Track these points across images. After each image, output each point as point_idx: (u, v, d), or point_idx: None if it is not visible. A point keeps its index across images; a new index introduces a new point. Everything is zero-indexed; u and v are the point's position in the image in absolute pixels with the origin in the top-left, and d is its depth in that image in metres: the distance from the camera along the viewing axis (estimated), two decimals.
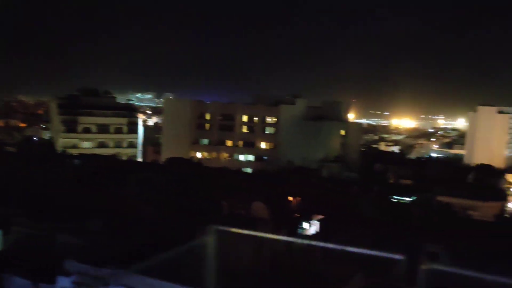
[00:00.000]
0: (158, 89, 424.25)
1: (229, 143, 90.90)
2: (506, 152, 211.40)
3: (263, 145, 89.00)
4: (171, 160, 66.22)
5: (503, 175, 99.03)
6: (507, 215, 53.14)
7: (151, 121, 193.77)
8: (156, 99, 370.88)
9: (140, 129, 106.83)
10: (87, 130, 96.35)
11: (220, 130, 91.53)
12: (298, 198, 49.81)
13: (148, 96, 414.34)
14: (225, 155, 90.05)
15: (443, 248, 34.38)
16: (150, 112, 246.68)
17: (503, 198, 70.98)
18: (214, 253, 9.02)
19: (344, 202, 44.19)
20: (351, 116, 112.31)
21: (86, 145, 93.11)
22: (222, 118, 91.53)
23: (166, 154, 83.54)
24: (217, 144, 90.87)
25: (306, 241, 32.69)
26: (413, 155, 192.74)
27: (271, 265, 22.36)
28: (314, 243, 32.77)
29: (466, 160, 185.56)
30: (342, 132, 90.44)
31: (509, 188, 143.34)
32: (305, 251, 28.94)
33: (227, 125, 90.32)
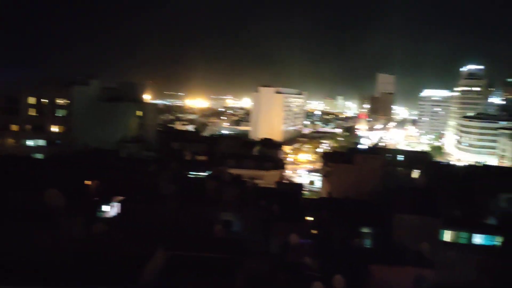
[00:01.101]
0: None
1: (14, 127, 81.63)
2: (283, 127, 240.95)
3: (55, 128, 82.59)
4: None
5: (281, 147, 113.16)
6: (285, 181, 61.80)
7: None
8: None
9: None
10: None
11: (2, 114, 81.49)
12: (96, 181, 48.66)
13: None
14: (10, 140, 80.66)
15: (236, 216, 38.72)
16: None
17: (282, 167, 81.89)
18: None
19: (144, 181, 45.10)
20: (148, 97, 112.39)
21: None
22: (3, 100, 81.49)
23: None
24: None
25: (105, 224, 32.86)
26: (206, 133, 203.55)
27: (68, 252, 22.16)
28: (113, 225, 33.23)
29: (252, 136, 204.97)
30: (139, 113, 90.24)
31: (286, 158, 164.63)
32: (104, 234, 29.25)
33: (11, 108, 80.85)
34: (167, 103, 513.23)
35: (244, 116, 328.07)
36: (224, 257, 27.14)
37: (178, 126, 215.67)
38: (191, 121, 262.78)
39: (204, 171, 57.44)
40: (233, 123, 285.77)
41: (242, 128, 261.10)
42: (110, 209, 44.39)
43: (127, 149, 68.73)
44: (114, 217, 40.41)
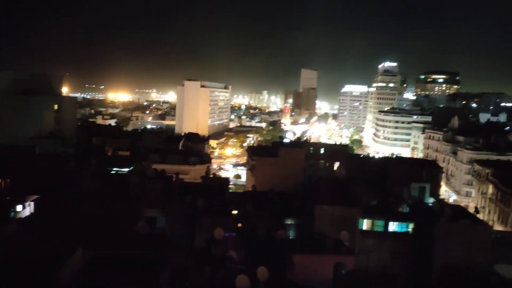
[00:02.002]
0: None
1: None
2: (209, 121, 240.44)
3: None
4: None
5: (207, 141, 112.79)
6: (211, 175, 61.51)
7: None
8: None
9: None
10: None
11: None
12: (9, 180, 45.73)
13: None
14: None
15: (161, 212, 38.08)
16: None
17: (208, 161, 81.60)
18: None
19: (62, 179, 43.01)
20: (65, 90, 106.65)
21: None
22: None
23: None
24: None
25: (18, 225, 31.00)
26: (129, 127, 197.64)
27: None
28: (27, 225, 31.43)
29: (177, 130, 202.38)
30: (56, 107, 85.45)
31: (213, 152, 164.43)
32: (17, 235, 27.60)
33: None
34: (87, 97, 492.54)
35: (169, 110, 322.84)
36: (147, 253, 26.64)
37: (99, 120, 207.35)
38: (113, 115, 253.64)
39: (127, 167, 55.72)
40: (157, 117, 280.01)
41: (167, 122, 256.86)
42: (24, 209, 41.96)
43: (42, 145, 64.89)
44: (29, 217, 38.28)
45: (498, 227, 64.70)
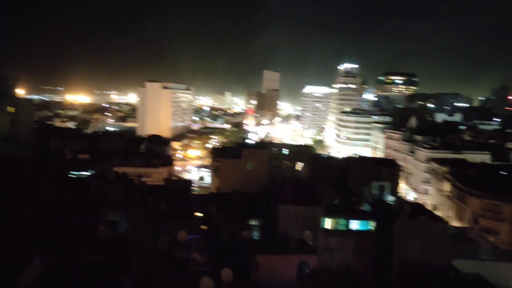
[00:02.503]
0: None
1: None
2: (171, 123, 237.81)
3: None
4: None
5: (170, 143, 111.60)
6: (174, 178, 61.07)
7: None
8: None
9: None
10: None
11: None
12: None
13: None
14: None
15: (122, 215, 37.37)
16: None
17: (171, 163, 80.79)
18: None
19: (19, 183, 41.51)
20: (21, 92, 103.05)
21: None
22: None
23: None
24: None
25: None
26: (89, 130, 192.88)
27: None
28: None
29: (139, 132, 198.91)
30: (11, 109, 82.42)
31: (175, 154, 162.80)
32: None
33: None
34: (45, 99, 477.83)
35: (130, 112, 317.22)
36: (109, 258, 26.09)
37: (58, 123, 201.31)
38: (72, 118, 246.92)
39: (87, 170, 54.40)
40: (118, 119, 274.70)
41: (129, 124, 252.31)
42: None
43: None
44: None
45: (455, 223, 67.07)
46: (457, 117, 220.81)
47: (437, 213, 58.04)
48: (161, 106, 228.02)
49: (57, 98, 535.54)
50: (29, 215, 33.33)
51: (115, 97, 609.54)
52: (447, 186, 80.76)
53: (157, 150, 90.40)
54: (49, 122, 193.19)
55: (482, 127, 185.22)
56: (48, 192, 39.31)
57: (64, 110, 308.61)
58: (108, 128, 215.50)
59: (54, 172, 47.63)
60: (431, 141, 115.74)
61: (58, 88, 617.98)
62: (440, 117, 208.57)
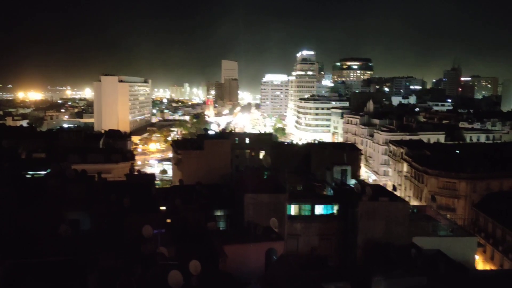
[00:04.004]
0: None
1: None
2: (130, 117, 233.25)
3: None
4: None
5: (129, 137, 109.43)
6: (135, 172, 59.80)
7: None
8: None
9: None
10: None
11: None
12: None
13: None
14: None
15: (84, 214, 36.40)
16: None
17: (131, 158, 79.16)
18: None
19: None
20: None
21: None
22: None
23: None
24: None
25: None
26: (44, 128, 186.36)
27: None
28: None
29: (96, 127, 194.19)
30: None
31: (136, 148, 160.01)
32: None
33: None
34: None
35: (86, 108, 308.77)
36: (72, 259, 25.42)
37: (9, 122, 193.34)
38: (24, 116, 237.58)
39: (43, 170, 52.50)
40: (74, 116, 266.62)
41: (85, 120, 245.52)
42: None
43: None
44: None
45: (414, 202, 69.43)
46: (412, 100, 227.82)
47: (397, 193, 59.82)
48: (118, 100, 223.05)
49: (7, 96, 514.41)
50: None
51: (69, 92, 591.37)
52: (404, 167, 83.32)
53: (116, 145, 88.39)
54: (0, 122, 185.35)
55: (435, 108, 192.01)
56: (2, 194, 37.72)
57: (15, 109, 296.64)
58: (63, 125, 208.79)
59: (8, 173, 45.70)
60: (388, 124, 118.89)
61: (8, 85, 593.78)
62: (396, 100, 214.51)
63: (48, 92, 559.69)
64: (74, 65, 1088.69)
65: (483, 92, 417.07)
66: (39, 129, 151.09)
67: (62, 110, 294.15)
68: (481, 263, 55.51)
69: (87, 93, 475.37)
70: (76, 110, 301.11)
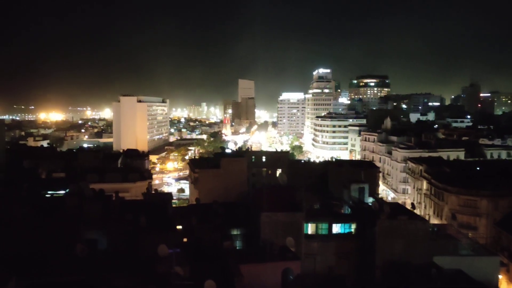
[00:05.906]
0: None
1: None
2: (148, 136, 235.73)
3: None
4: None
5: (147, 157, 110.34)
6: (153, 191, 60.06)
7: None
8: None
9: None
10: None
11: None
12: None
13: None
14: None
15: (101, 233, 36.57)
16: None
17: (149, 177, 79.77)
18: None
19: None
20: None
21: None
22: None
23: None
24: None
25: None
26: (64, 148, 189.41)
27: None
28: None
29: (115, 147, 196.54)
30: None
31: (154, 167, 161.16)
32: None
33: None
34: (16, 118, 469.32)
35: (105, 128, 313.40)
36: (89, 278, 25.48)
37: (31, 142, 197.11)
38: (45, 136, 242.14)
39: (62, 189, 53.17)
40: (94, 136, 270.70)
41: (104, 140, 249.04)
42: None
43: None
44: None
45: (434, 221, 68.03)
46: (430, 116, 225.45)
47: (416, 211, 58.78)
48: (136, 120, 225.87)
49: (29, 117, 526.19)
50: (2, 238, 32.33)
51: (89, 113, 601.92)
52: (424, 185, 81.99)
53: (134, 164, 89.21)
54: (22, 142, 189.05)
55: (454, 124, 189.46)
56: (21, 213, 38.23)
57: (37, 129, 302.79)
58: (83, 145, 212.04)
59: (28, 193, 46.37)
60: (406, 141, 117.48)
61: (30, 107, 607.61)
62: (413, 117, 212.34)
63: (69, 112, 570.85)
64: (95, 86, 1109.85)
65: (503, 108, 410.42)
66: (59, 149, 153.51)
67: (82, 130, 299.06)
68: (504, 283, 53.80)
69: (107, 113, 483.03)
70: (95, 130, 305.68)
